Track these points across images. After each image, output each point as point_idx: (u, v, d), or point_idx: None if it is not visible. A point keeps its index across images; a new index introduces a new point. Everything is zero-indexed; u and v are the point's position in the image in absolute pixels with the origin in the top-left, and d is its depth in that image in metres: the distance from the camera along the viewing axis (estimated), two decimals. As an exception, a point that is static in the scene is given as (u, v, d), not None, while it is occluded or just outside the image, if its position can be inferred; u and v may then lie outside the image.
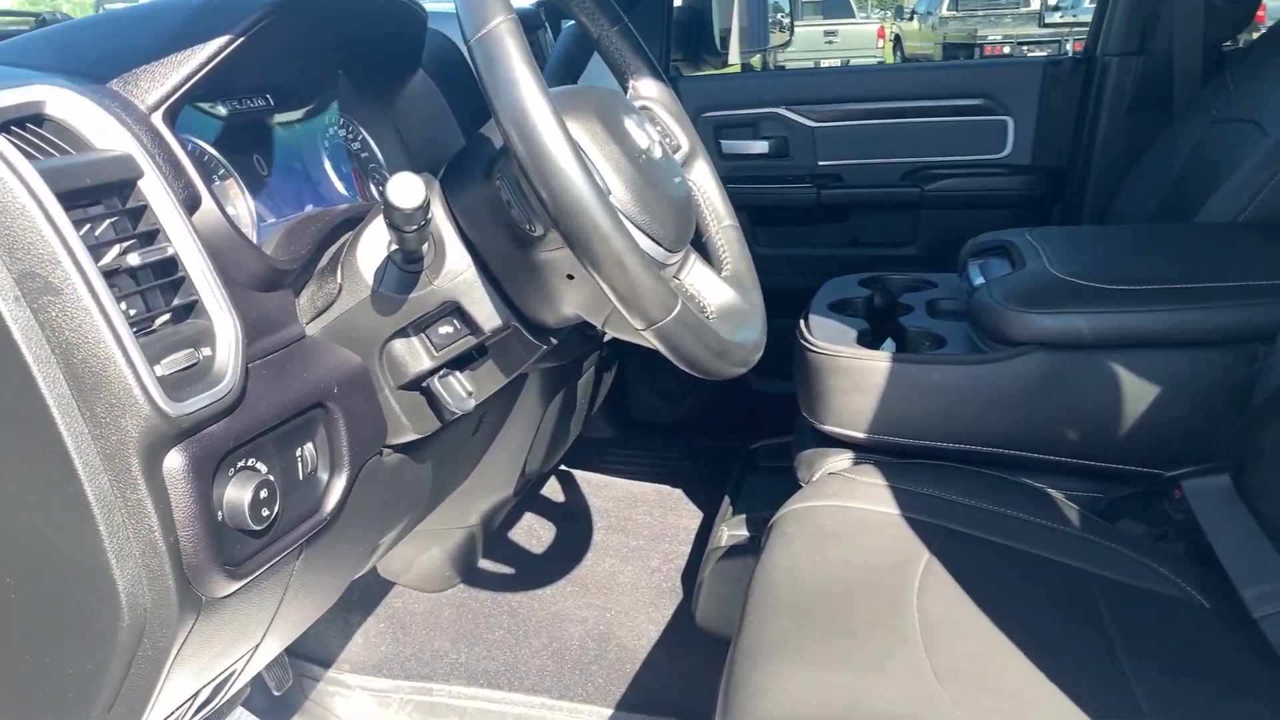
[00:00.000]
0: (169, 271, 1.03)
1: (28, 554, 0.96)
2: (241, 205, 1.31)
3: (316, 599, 1.36)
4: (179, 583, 0.98)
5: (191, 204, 1.09)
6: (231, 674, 1.24)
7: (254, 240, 1.29)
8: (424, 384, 1.29)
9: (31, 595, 0.97)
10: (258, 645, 1.25)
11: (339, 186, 1.54)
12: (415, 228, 1.12)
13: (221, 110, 1.34)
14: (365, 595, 2.15)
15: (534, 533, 2.38)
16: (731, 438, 2.60)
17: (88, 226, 0.98)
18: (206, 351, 1.02)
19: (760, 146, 2.98)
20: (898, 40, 19.07)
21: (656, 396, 2.96)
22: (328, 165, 1.54)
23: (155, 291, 1.03)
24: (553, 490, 2.57)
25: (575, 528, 2.41)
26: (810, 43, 16.53)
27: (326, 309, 1.26)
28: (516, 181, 1.15)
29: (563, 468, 2.63)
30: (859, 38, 17.21)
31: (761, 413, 2.64)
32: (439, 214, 1.23)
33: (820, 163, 2.98)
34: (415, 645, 2.07)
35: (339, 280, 1.25)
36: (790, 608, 1.36)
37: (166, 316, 1.03)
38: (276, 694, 1.94)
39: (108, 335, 0.91)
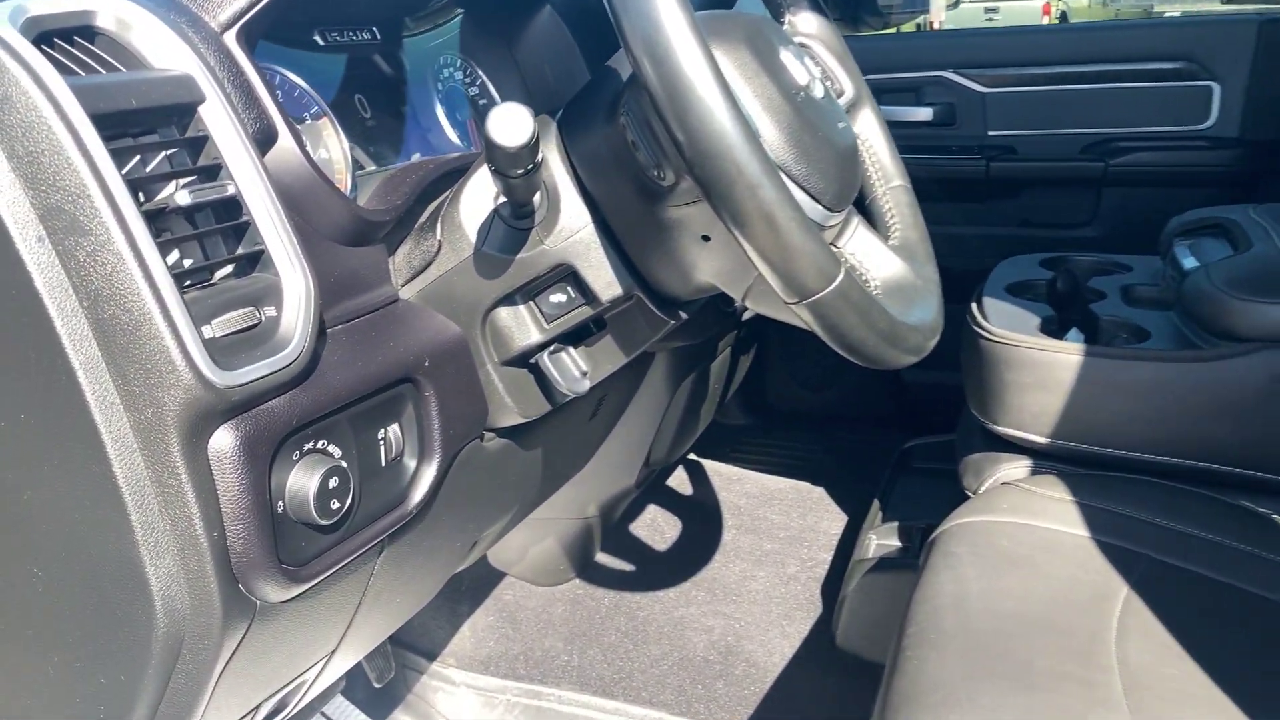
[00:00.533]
0: (232, 215, 0.87)
1: (55, 541, 0.81)
2: (335, 148, 1.14)
3: (404, 601, 1.20)
4: (225, 585, 0.82)
5: (264, 139, 0.93)
6: (301, 684, 1.09)
7: (346, 188, 1.12)
8: (532, 360, 1.11)
9: (60, 590, 0.83)
10: (332, 652, 1.09)
11: (452, 135, 1.37)
12: (522, 171, 0.93)
13: (319, 41, 1.18)
14: (474, 585, 2.00)
15: (657, 528, 2.19)
16: (882, 433, 2.35)
17: (137, 158, 0.83)
18: (270, 311, 0.86)
19: (923, 114, 2.69)
20: (1063, 17, 18.09)
21: (798, 383, 2.72)
22: (440, 111, 1.37)
23: (216, 238, 0.87)
24: (679, 482, 2.37)
25: (703, 525, 2.21)
26: (968, 19, 15.83)
27: (424, 269, 1.09)
28: (645, 118, 0.95)
29: (691, 457, 2.43)
30: (1022, 14, 16.38)
31: (917, 406, 2.38)
32: (554, 161, 1.04)
33: (990, 133, 2.67)
34: (525, 643, 1.91)
35: (438, 237, 1.08)
36: (958, 646, 1.13)
37: (228, 269, 0.87)
38: (377, 686, 1.81)
39: (143, 286, 0.75)
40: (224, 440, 0.80)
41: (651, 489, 2.28)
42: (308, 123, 1.13)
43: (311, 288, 0.88)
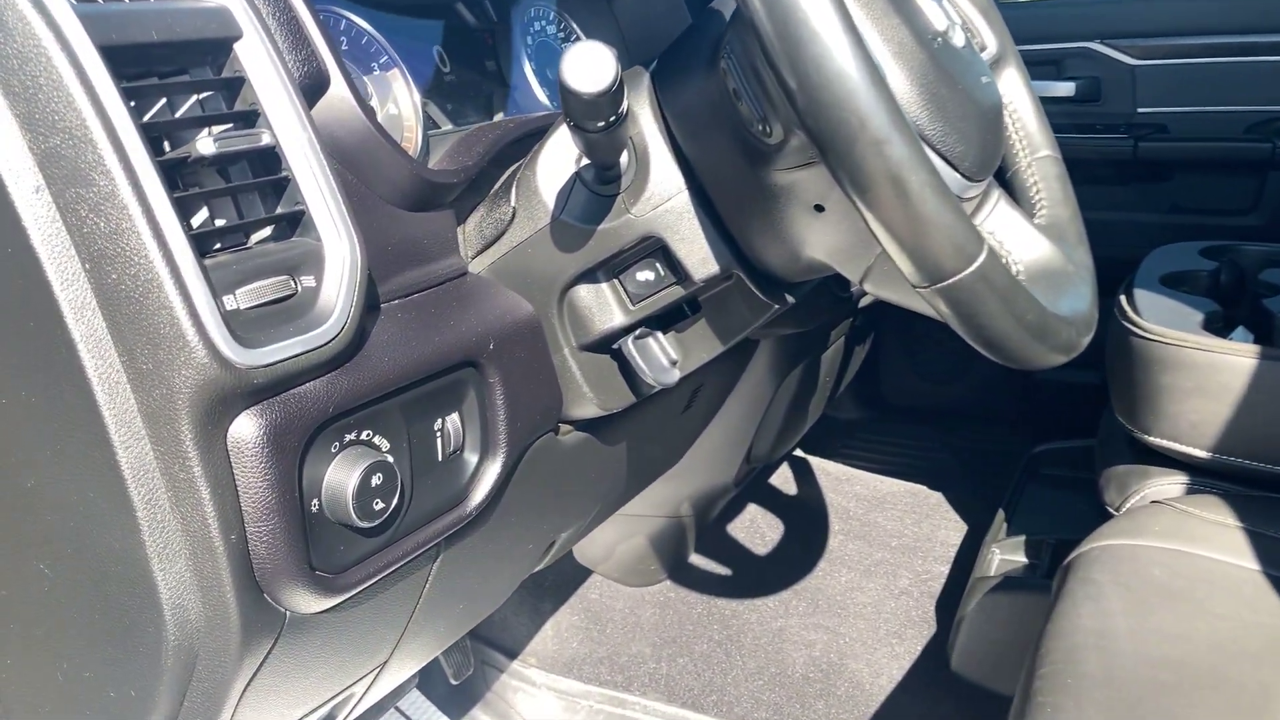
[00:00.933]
0: (271, 170, 0.76)
1: (61, 535, 0.72)
2: (406, 103, 1.03)
3: (467, 608, 1.09)
4: (244, 594, 0.72)
5: (314, 85, 0.82)
6: (349, 697, 0.98)
7: (415, 147, 1.01)
8: (615, 346, 0.98)
9: (67, 590, 0.73)
10: (384, 664, 0.99)
11: (541, 95, 1.25)
12: (603, 124, 0.80)
13: (393, -16, 1.07)
14: (558, 582, 1.89)
15: (757, 530, 2.04)
16: (1009, 434, 2.15)
17: (162, 101, 0.72)
18: (308, 280, 0.74)
19: (1065, 88, 2.45)
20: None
21: (917, 375, 2.52)
22: (529, 69, 1.25)
23: (254, 196, 0.76)
24: (783, 480, 2.21)
25: (807, 529, 2.05)
26: None
27: (496, 240, 0.97)
28: (750, 61, 0.80)
29: (797, 454, 2.27)
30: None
31: (1050, 406, 2.17)
32: (645, 118, 0.91)
33: (1140, 110, 2.42)
34: (611, 646, 1.79)
35: (512, 203, 0.95)
36: (1102, 697, 0.96)
37: (266, 232, 0.76)
38: (454, 683, 1.72)
39: (151, 246, 0.65)
40: (246, 428, 0.69)
41: (751, 487, 2.13)
42: (375, 73, 1.02)
43: (358, 255, 0.76)
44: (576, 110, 0.79)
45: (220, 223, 0.73)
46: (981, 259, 0.71)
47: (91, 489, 0.69)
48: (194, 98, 0.75)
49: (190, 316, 0.65)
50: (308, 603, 0.76)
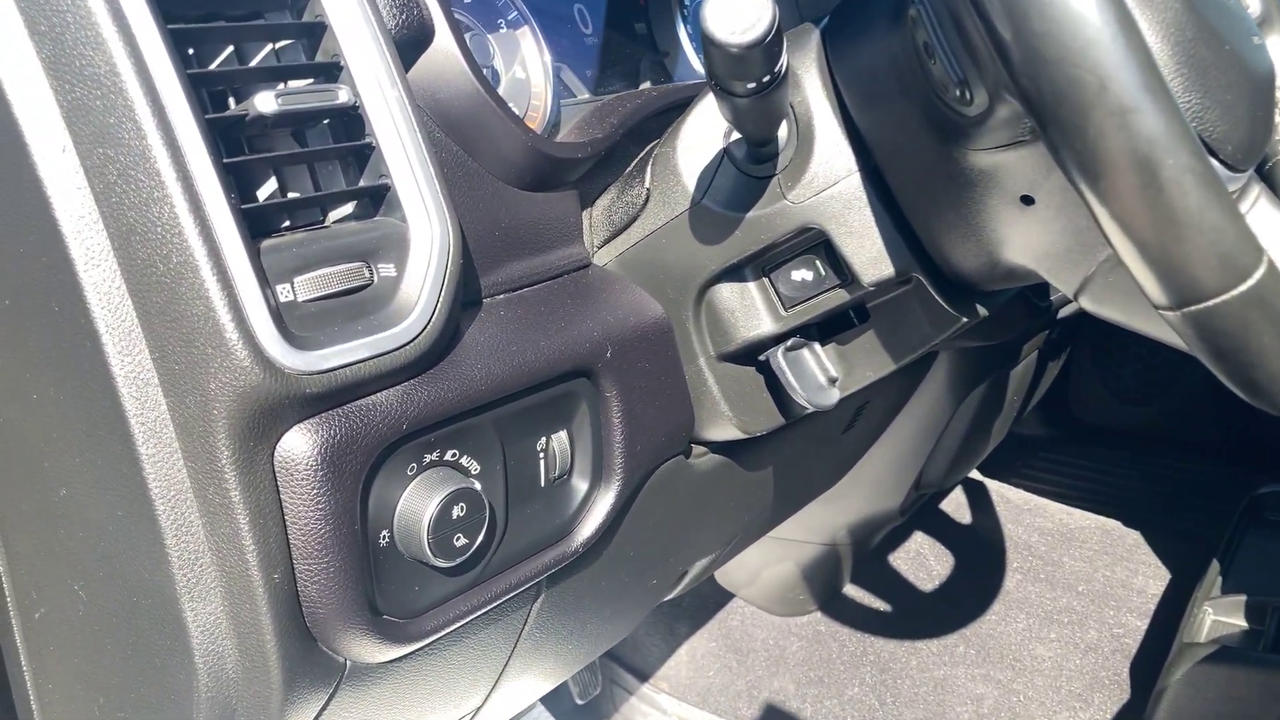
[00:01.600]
0: (354, 135, 0.63)
1: (93, 555, 0.61)
2: (535, 67, 0.90)
3: (578, 647, 0.95)
4: (289, 642, 0.60)
5: (414, 37, 0.69)
6: (436, 745, 0.86)
7: (542, 117, 0.87)
8: (762, 357, 0.83)
9: (101, 617, 0.63)
10: (477, 710, 0.86)
11: (698, 65, 1.10)
12: (754, 86, 0.64)
13: (529, -68, 0.93)
14: (697, 604, 1.74)
15: (923, 562, 1.83)
16: (1223, 468, 1.86)
17: (229, 49, 0.61)
18: (387, 269, 0.62)
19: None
20: None
21: (1110, 390, 2.21)
22: (685, 33, 1.09)
23: (333, 166, 0.64)
24: (955, 506, 1.98)
25: (980, 565, 1.82)
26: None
27: (626, 227, 0.82)
28: (948, 5, 0.62)
29: (973, 475, 2.04)
30: None
31: (1272, 438, 1.87)
32: (811, 83, 0.74)
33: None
34: (751, 679, 1.63)
35: (646, 184, 0.80)
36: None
37: (347, 209, 0.64)
38: (579, 702, 1.60)
39: (187, 220, 0.53)
40: (297, 445, 0.57)
41: (919, 513, 1.92)
42: (502, 31, 0.89)
43: (451, 240, 0.63)
44: (721, 67, 0.63)
45: (294, 194, 0.62)
46: (1259, 275, 0.52)
47: (120, 507, 0.58)
48: (269, 46, 0.63)
49: (229, 308, 0.54)
50: (372, 652, 0.63)
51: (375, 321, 0.60)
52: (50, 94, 0.54)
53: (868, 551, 1.73)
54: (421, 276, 0.62)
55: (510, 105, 0.86)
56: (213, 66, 0.60)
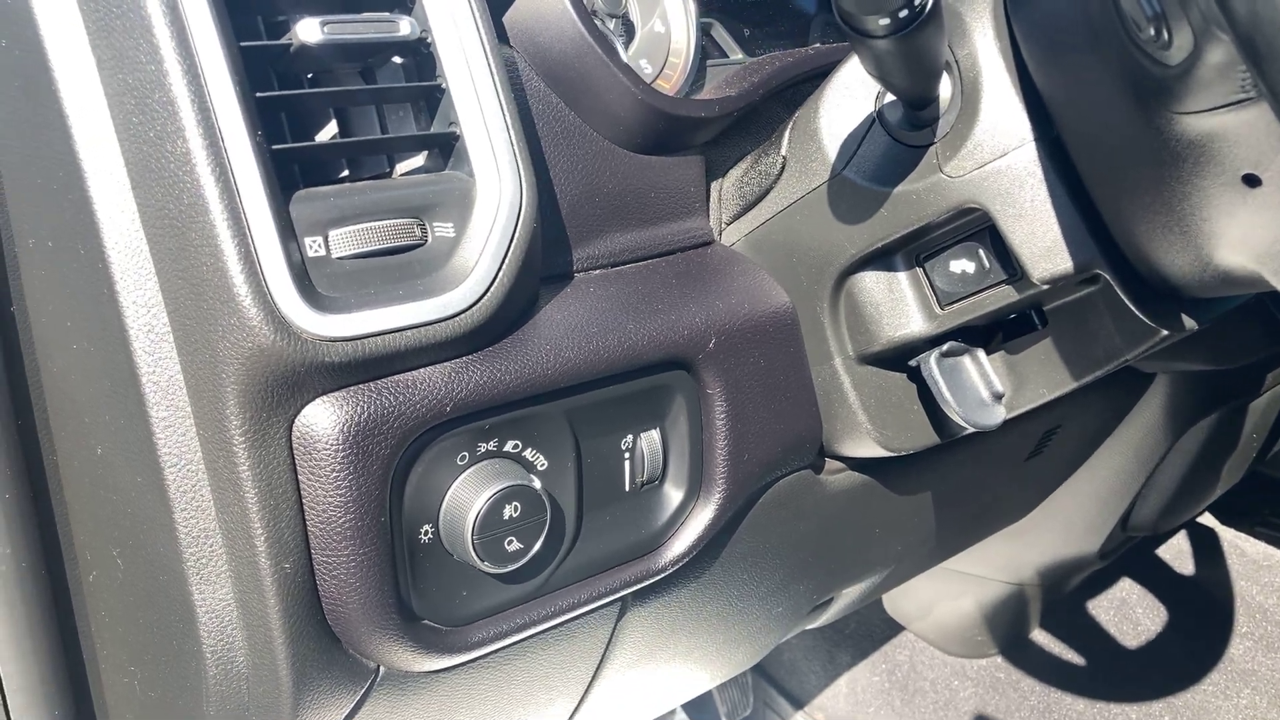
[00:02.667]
0: (428, 75, 0.56)
1: (126, 521, 0.57)
2: (678, 20, 0.80)
3: (684, 674, 0.85)
4: (300, 640, 0.53)
5: (511, -32, 0.61)
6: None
7: (680, 75, 0.77)
8: (912, 362, 0.69)
9: (133, 590, 0.59)
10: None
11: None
12: (887, 22, 0.52)
13: None
14: (861, 632, 1.59)
15: (1128, 614, 1.60)
16: None
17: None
18: (444, 228, 0.54)
19: None
20: None
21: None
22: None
23: (406, 111, 0.57)
24: (1174, 554, 1.73)
25: (1201, 624, 1.58)
26: None
27: (757, 202, 0.71)
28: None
29: (1204, 519, 1.78)
30: None
31: None
32: (982, 34, 0.62)
33: None
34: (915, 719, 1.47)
35: (782, 152, 0.69)
36: None
37: (417, 160, 0.57)
38: (726, 722, 1.49)
39: (200, 157, 0.47)
40: (318, 420, 0.50)
41: (1127, 558, 1.68)
42: (636, -24, 0.79)
43: (524, 200, 0.55)
44: (847, 2, 0.51)
45: (367, 135, 0.55)
46: None
47: (139, 473, 0.53)
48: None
49: (241, 258, 0.47)
50: (404, 659, 0.56)
51: (421, 286, 0.52)
52: (76, 10, 0.49)
53: (1061, 595, 1.53)
54: (483, 239, 0.54)
55: (642, 61, 0.77)
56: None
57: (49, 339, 0.57)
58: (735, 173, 0.74)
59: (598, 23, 0.74)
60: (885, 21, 0.52)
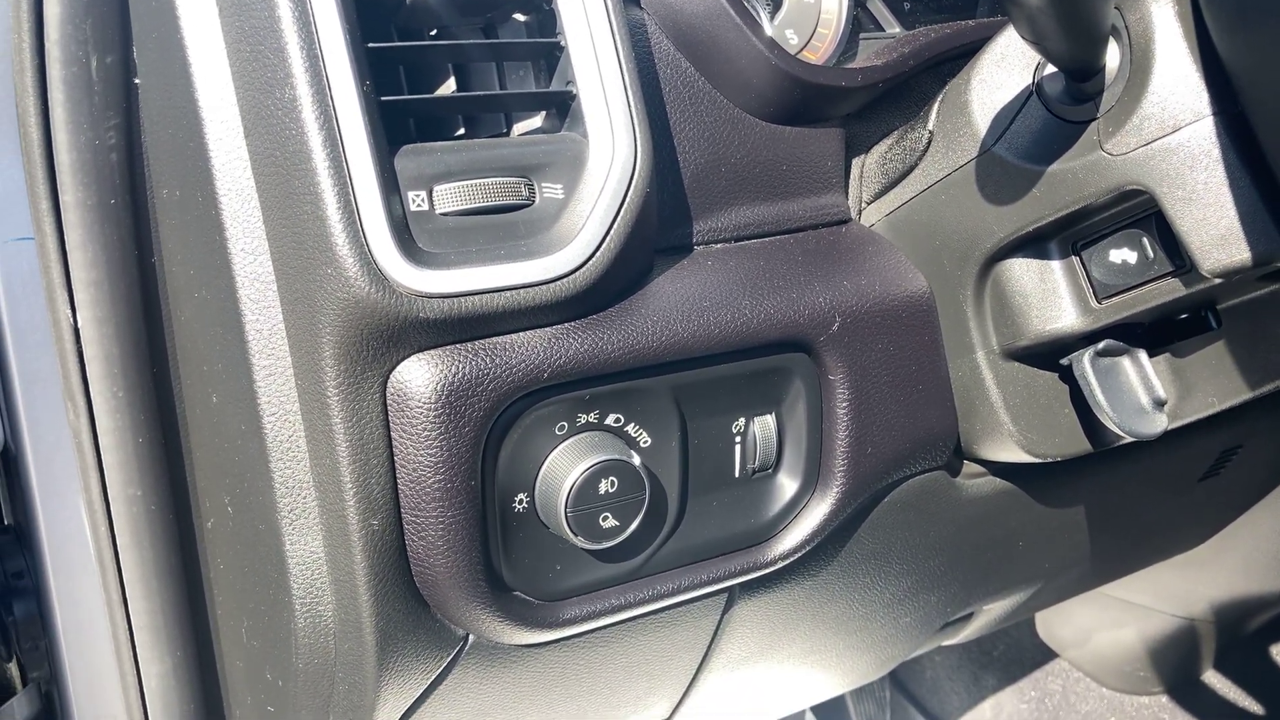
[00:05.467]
0: (546, 32, 0.54)
1: (235, 470, 0.58)
2: (831, -11, 0.75)
3: (798, 676, 0.80)
4: (386, 600, 0.53)
5: (643, -74, 0.59)
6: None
7: (829, 46, 0.73)
8: (1064, 360, 0.64)
9: (240, 539, 0.60)
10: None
11: None
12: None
13: None
14: (1010, 655, 1.49)
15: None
16: None
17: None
18: (553, 189, 0.52)
19: None
20: None
21: None
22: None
23: (526, 69, 0.55)
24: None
25: None
26: None
27: (900, 179, 0.67)
28: None
29: None
30: None
31: None
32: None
33: None
34: (1065, 755, 1.37)
35: (929, 127, 0.64)
36: None
37: (536, 121, 0.55)
38: (859, 735, 1.43)
39: (307, 105, 0.47)
40: (413, 377, 0.49)
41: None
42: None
43: (638, 163, 0.53)
44: None
45: (481, 88, 0.54)
46: None
47: (243, 420, 0.54)
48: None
49: (341, 209, 0.47)
50: (493, 629, 0.55)
51: (525, 247, 0.51)
52: None
53: (1240, 636, 1.39)
54: (592, 201, 0.52)
55: (788, 32, 0.74)
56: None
57: (178, 288, 0.59)
58: (879, 148, 0.69)
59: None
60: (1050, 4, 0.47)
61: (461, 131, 0.55)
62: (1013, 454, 0.68)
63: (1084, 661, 1.46)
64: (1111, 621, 1.39)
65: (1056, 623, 1.45)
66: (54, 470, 0.71)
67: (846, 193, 0.68)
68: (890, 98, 0.70)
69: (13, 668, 0.88)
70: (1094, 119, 0.57)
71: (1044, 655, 1.51)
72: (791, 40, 0.74)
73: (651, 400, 0.56)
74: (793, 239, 0.64)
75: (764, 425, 0.60)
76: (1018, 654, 1.51)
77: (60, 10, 0.58)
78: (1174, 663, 1.40)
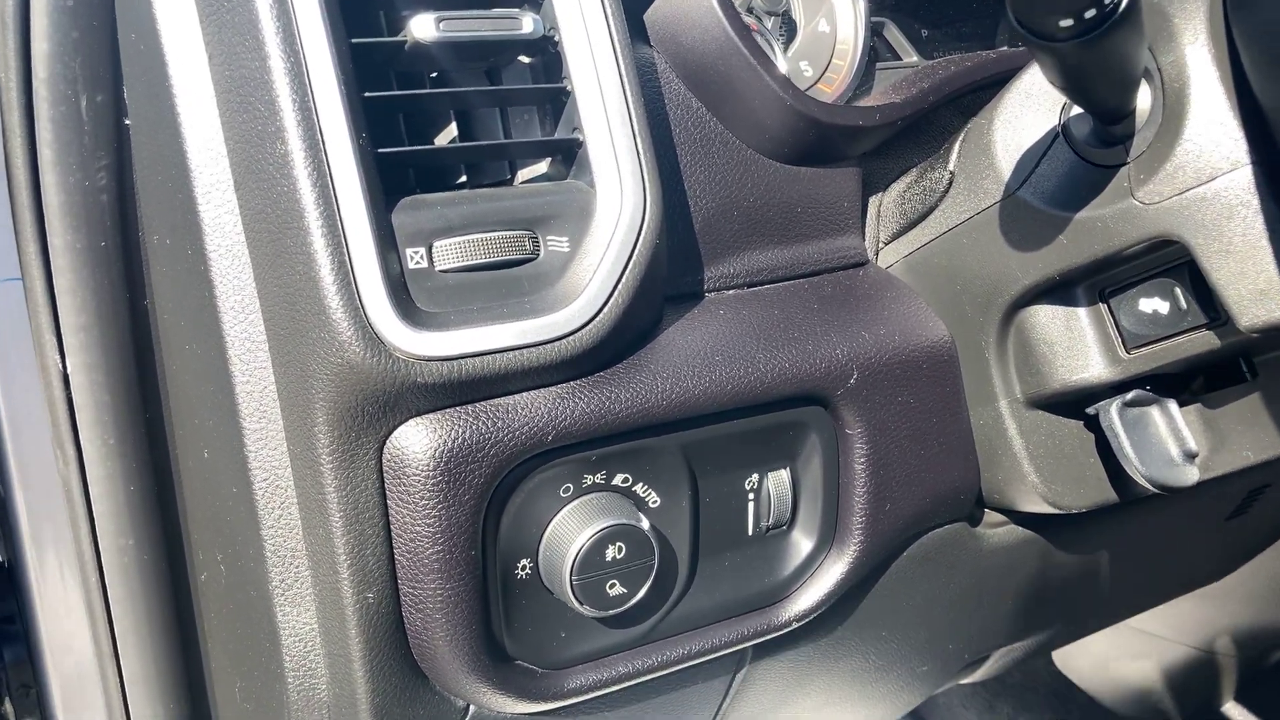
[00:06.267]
0: (552, 75, 0.52)
1: (225, 529, 0.55)
2: (846, 18, 0.73)
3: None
4: (382, 674, 0.50)
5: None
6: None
7: (843, 79, 0.71)
8: (1090, 410, 0.61)
9: (232, 596, 0.57)
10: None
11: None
12: (1071, 24, 0.45)
13: None
14: (1026, 682, 1.47)
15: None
16: None
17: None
18: (557, 241, 0.50)
19: None
20: None
21: None
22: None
23: (531, 114, 0.53)
24: None
25: None
26: None
27: (919, 220, 0.64)
28: None
29: None
30: None
31: None
32: (1192, 36, 0.53)
33: None
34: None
35: (950, 167, 0.62)
36: None
37: (540, 167, 0.53)
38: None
39: (300, 161, 0.44)
40: (410, 444, 0.47)
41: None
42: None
43: (647, 213, 0.50)
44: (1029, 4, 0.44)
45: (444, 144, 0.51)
46: None
47: (234, 483, 0.51)
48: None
49: (334, 269, 0.44)
50: (493, 700, 0.52)
51: (529, 304, 0.48)
52: (192, 2, 0.48)
53: (1262, 668, 1.36)
54: (599, 255, 0.50)
55: (803, 64, 0.71)
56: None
57: (170, 336, 0.57)
58: (898, 187, 0.67)
59: (751, 20, 0.69)
60: (1069, 23, 0.44)
61: (464, 180, 0.52)
62: (1036, 505, 0.65)
63: (1101, 692, 1.43)
64: (1129, 651, 1.36)
65: (1073, 653, 1.42)
66: (45, 516, 0.69)
67: (863, 233, 0.66)
68: (907, 132, 0.67)
69: (5, 709, 0.86)
70: (1124, 164, 0.55)
71: (1059, 683, 1.48)
72: (806, 73, 0.71)
73: (661, 459, 0.54)
74: (808, 284, 0.61)
75: (778, 481, 0.58)
76: (1033, 682, 1.48)
77: (49, 48, 0.56)
78: (1193, 693, 1.37)
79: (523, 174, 0.54)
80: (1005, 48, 0.82)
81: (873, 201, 0.67)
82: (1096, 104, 0.52)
